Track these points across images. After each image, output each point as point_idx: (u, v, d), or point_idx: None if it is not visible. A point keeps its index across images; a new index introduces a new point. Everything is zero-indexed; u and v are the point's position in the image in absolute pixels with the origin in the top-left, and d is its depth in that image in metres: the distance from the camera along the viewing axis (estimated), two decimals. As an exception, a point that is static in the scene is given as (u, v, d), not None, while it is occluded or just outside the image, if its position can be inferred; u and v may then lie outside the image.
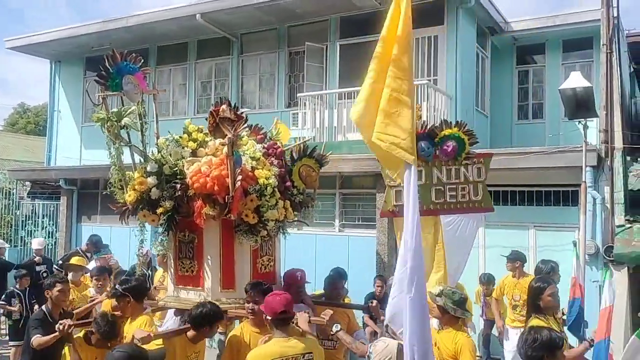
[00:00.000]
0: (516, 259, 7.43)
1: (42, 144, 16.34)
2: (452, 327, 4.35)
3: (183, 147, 4.48)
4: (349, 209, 9.97)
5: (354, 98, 10.35)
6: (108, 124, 4.33)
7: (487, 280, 7.93)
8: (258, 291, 4.16)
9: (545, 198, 8.36)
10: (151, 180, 4.28)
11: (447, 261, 4.99)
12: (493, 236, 8.40)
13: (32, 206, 14.45)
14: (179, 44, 13.00)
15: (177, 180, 4.33)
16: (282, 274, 5.11)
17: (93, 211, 13.05)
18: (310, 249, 9.84)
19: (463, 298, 4.44)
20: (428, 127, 5.00)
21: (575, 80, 7.73)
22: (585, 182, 7.56)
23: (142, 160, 4.49)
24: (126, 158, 4.62)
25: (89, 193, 13.09)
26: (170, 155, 4.40)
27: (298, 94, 11.01)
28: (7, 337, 8.25)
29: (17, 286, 8.08)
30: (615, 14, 8.76)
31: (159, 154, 4.43)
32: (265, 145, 4.82)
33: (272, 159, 4.70)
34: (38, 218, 14.16)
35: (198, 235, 4.47)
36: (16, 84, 74.98)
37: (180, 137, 4.56)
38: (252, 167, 4.43)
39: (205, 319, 4.01)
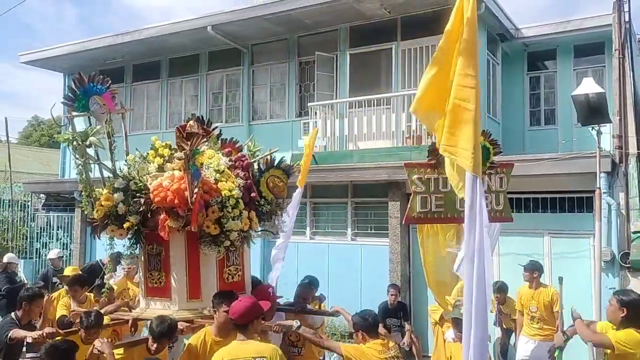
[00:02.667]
0: (534, 269, 7.22)
1: (56, 156, 16.55)
2: None
3: (150, 163, 4.62)
4: (361, 218, 9.96)
5: (365, 107, 10.42)
6: (74, 144, 4.53)
7: (499, 289, 7.83)
8: (223, 299, 4.31)
9: (560, 205, 8.29)
10: (117, 196, 4.42)
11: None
12: (507, 244, 8.34)
13: (47, 218, 14.59)
14: (190, 55, 13.12)
15: (142, 195, 4.46)
16: (248, 282, 5.16)
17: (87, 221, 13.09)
18: (323, 258, 9.84)
19: None
20: None
21: (588, 86, 7.69)
22: (599, 188, 7.49)
23: (110, 177, 4.65)
24: (97, 174, 4.80)
25: (103, 204, 13.18)
26: (137, 171, 4.55)
27: (309, 104, 11.05)
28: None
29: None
30: (627, 19, 8.72)
31: (127, 171, 4.60)
32: (233, 158, 4.92)
33: (238, 171, 4.80)
34: (53, 230, 14.29)
35: (165, 248, 4.60)
36: (30, 97, 75.96)
37: (148, 153, 4.71)
38: (215, 179, 4.54)
39: (164, 334, 4.18)
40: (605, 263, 7.67)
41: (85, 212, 4.71)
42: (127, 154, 4.84)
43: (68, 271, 7.49)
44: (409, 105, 10.02)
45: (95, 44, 13.18)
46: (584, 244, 7.96)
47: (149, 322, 4.93)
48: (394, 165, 9.05)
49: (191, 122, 4.72)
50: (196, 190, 4.24)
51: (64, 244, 13.83)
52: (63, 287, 7.19)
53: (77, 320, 4.73)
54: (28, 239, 14.61)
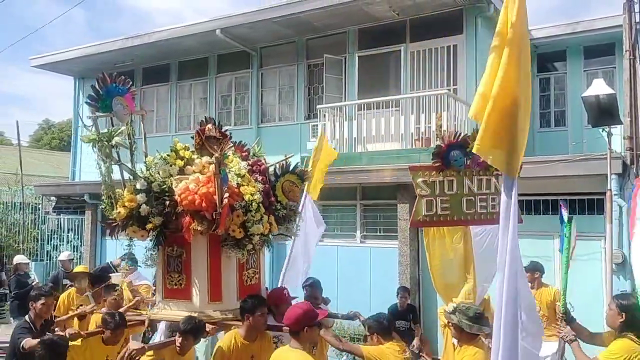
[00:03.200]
0: (535, 270, 7.22)
1: (67, 159, 16.66)
2: (469, 345, 4.19)
3: (171, 165, 4.63)
4: (370, 220, 9.95)
5: (374, 109, 10.41)
6: (99, 144, 4.52)
7: None
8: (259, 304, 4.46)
9: (570, 207, 8.22)
10: (140, 197, 4.42)
11: (476, 272, 4.94)
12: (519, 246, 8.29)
13: (58, 221, 14.69)
14: (200, 58, 13.19)
15: (165, 197, 4.47)
16: (266, 287, 5.23)
17: (101, 222, 13.20)
18: (332, 260, 9.83)
19: (478, 313, 4.27)
20: (461, 137, 4.96)
21: (598, 88, 7.64)
22: (610, 190, 7.44)
23: (131, 178, 4.66)
24: (116, 175, 4.79)
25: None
26: (159, 173, 4.55)
27: (317, 106, 11.06)
28: None
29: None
30: (638, 20, 8.66)
31: (148, 172, 4.59)
32: (250, 162, 4.96)
33: (257, 175, 4.84)
34: (63, 232, 14.39)
35: (186, 250, 4.62)
36: (41, 101, 76.61)
37: (168, 155, 4.71)
38: (237, 183, 4.58)
39: (192, 332, 4.28)
40: (616, 265, 7.61)
41: (106, 214, 4.69)
42: (146, 156, 4.85)
43: (78, 269, 7.59)
44: (417, 107, 10.02)
45: (105, 48, 13.28)
46: (595, 246, 7.90)
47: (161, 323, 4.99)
48: (403, 167, 9.01)
49: (209, 126, 4.79)
50: (227, 195, 4.29)
51: (74, 246, 13.92)
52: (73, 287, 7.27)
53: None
54: (39, 242, 14.71)
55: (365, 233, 9.94)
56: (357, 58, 11.08)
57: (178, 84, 13.67)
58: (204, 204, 4.27)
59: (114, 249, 11.55)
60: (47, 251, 14.39)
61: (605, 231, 7.44)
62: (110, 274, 8.03)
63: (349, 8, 10.40)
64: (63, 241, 14.25)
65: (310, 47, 11.88)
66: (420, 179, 4.92)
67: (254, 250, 4.71)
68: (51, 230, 14.66)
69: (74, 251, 13.57)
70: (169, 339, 4.67)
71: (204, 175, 4.54)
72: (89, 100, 4.69)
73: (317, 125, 10.90)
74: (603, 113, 7.54)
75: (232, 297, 4.67)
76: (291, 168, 5.13)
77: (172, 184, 4.52)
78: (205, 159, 4.73)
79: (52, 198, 15.05)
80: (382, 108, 10.26)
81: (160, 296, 4.84)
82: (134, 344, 4.22)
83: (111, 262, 9.60)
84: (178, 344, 4.37)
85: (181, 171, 4.65)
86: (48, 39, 79.92)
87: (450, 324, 4.43)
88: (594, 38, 10.91)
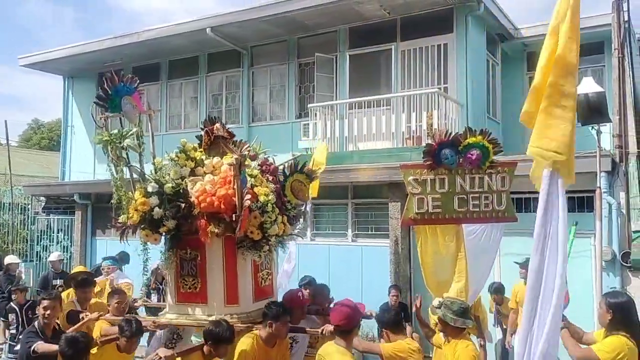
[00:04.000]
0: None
1: (56, 159, 16.55)
2: (455, 339, 4.28)
3: (182, 167, 4.54)
4: (362, 219, 9.95)
5: (365, 107, 10.42)
6: (110, 145, 4.41)
7: (496, 290, 7.83)
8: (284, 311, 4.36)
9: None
10: (153, 200, 4.33)
11: (469, 270, 4.94)
12: (507, 244, 8.28)
13: (47, 221, 14.58)
14: (190, 57, 13.12)
15: (180, 200, 4.39)
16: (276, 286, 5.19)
17: (107, 225, 13.13)
18: (324, 259, 9.82)
19: (463, 308, 4.35)
20: (452, 135, 4.97)
21: (588, 86, 7.67)
22: (600, 187, 7.48)
23: (140, 180, 4.55)
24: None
25: (103, 207, 13.17)
26: (169, 174, 4.46)
27: (308, 105, 11.04)
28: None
29: (14, 301, 7.95)
30: (626, 18, 8.72)
31: (157, 174, 4.50)
32: (259, 163, 4.90)
33: (267, 175, 4.78)
34: (53, 233, 14.27)
35: (201, 253, 4.53)
36: (30, 100, 76.02)
37: (177, 155, 4.62)
38: (251, 184, 4.51)
39: (221, 337, 4.10)
40: (606, 263, 7.66)
41: (119, 218, 4.56)
42: (154, 157, 4.72)
43: (77, 269, 7.57)
44: (408, 106, 10.04)
45: (94, 47, 13.17)
46: (584, 243, 7.94)
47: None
48: (394, 166, 9.03)
49: (217, 125, 4.74)
50: (248, 196, 4.22)
51: (64, 246, 13.82)
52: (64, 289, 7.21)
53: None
54: (28, 242, 14.59)
55: (356, 232, 9.94)
56: (348, 57, 11.07)
57: (168, 83, 13.60)
58: (222, 206, 4.20)
59: (105, 249, 11.48)
60: (37, 252, 14.27)
61: (595, 229, 7.48)
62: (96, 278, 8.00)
63: (340, 7, 10.39)
64: (53, 242, 14.13)
65: (301, 46, 11.86)
66: (411, 177, 4.93)
67: (269, 251, 4.66)
68: (41, 231, 14.53)
69: (64, 252, 13.48)
70: (196, 344, 4.49)
71: (216, 176, 4.46)
72: (97, 100, 4.57)
73: (308, 124, 10.89)
74: (592, 111, 7.57)
75: (249, 299, 4.60)
76: (299, 167, 5.07)
77: (186, 185, 4.44)
78: (216, 159, 4.66)
79: (42, 198, 14.92)
80: (373, 107, 10.26)
81: (172, 300, 4.72)
82: (162, 351, 4.11)
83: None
84: (206, 352, 4.17)
85: (192, 172, 4.57)
86: (38, 38, 79.37)
87: (437, 317, 4.52)
88: (583, 37, 10.71)
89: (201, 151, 4.74)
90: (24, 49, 51.59)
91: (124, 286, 7.29)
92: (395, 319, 4.52)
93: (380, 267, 9.30)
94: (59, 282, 9.29)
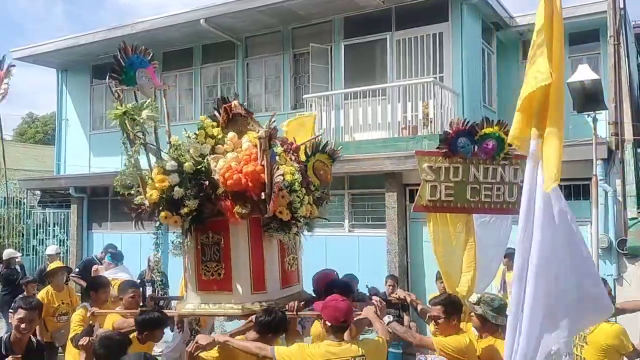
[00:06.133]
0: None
1: (51, 153, 16.48)
2: (492, 336, 4.15)
3: (202, 144, 4.23)
4: (359, 209, 9.95)
5: (360, 98, 10.38)
6: (128, 119, 3.97)
7: (510, 255, 7.82)
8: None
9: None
10: (172, 178, 3.98)
11: (479, 262, 4.92)
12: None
13: (43, 215, 14.55)
14: (184, 49, 13.04)
15: (202, 178, 4.06)
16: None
17: (103, 218, 13.11)
18: (321, 250, 9.81)
19: (503, 304, 4.21)
20: (469, 124, 4.93)
21: (584, 73, 7.67)
22: (596, 175, 7.49)
23: (156, 160, 4.20)
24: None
25: (99, 200, 13.16)
26: (189, 151, 4.13)
27: (304, 96, 11.00)
28: None
29: (25, 293, 8.01)
30: (622, 5, 8.70)
31: (176, 152, 4.15)
32: (281, 142, 4.61)
33: (290, 154, 4.54)
34: (49, 227, 14.26)
35: (224, 236, 4.19)
36: (24, 94, 75.55)
37: (196, 133, 4.31)
38: (275, 162, 4.18)
39: (274, 327, 3.89)
40: (602, 250, 7.68)
41: (135, 201, 4.17)
42: (169, 135, 4.37)
43: (54, 265, 7.51)
44: (404, 95, 10.01)
45: (88, 39, 13.08)
46: (581, 231, 7.94)
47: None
48: (390, 156, 9.03)
49: (235, 103, 4.50)
50: (280, 171, 3.93)
51: (60, 240, 13.81)
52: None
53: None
54: (24, 236, 14.57)
55: (353, 222, 9.95)
56: (342, 47, 11.02)
57: (163, 74, 13.48)
58: (250, 184, 3.90)
59: (101, 242, 11.45)
60: (33, 246, 14.26)
61: (591, 216, 7.50)
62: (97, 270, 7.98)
63: (334, -4, 10.34)
64: (49, 235, 14.12)
65: (296, 37, 11.80)
66: (425, 164, 4.90)
67: (296, 233, 4.41)
68: (37, 225, 14.51)
69: (60, 245, 13.46)
70: (243, 328, 4.19)
71: (239, 153, 4.15)
72: (111, 73, 4.15)
73: (303, 114, 10.84)
74: (588, 99, 7.58)
75: (276, 286, 4.32)
76: (321, 147, 4.86)
77: (208, 164, 4.12)
78: (231, 134, 4.34)
79: (37, 192, 14.89)
80: (369, 97, 10.23)
81: (193, 289, 4.36)
82: (202, 338, 3.88)
83: (95, 256, 9.55)
84: (251, 339, 3.89)
85: (212, 150, 4.26)
86: (27, 32, 78.85)
87: (472, 314, 4.33)
88: (578, 24, 10.92)
89: (220, 129, 4.42)
90: (13, 42, 51.10)
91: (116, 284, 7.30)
92: (460, 305, 4.24)
93: (377, 257, 9.31)
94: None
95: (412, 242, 9.42)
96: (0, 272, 9.65)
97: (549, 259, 2.93)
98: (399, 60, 10.60)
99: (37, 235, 14.40)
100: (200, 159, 4.15)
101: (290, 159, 4.47)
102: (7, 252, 10.09)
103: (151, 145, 4.18)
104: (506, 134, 4.87)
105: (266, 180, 3.91)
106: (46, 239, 14.05)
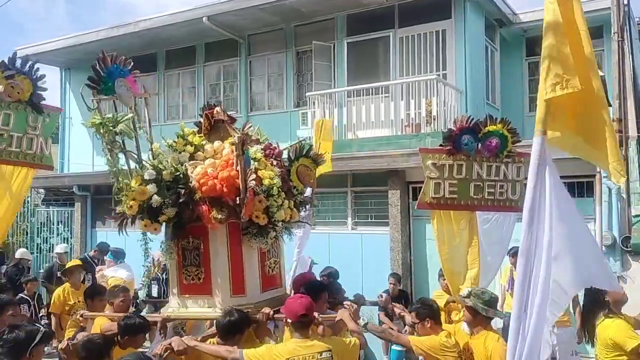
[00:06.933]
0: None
1: (55, 151, 16.51)
2: (484, 329, 4.21)
3: (180, 152, 4.33)
4: (362, 207, 9.94)
5: (363, 95, 10.36)
6: (103, 129, 4.09)
7: (514, 254, 7.81)
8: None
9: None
10: (151, 188, 4.09)
11: (482, 259, 4.93)
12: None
13: (47, 213, 14.57)
14: (187, 47, 13.04)
15: (180, 186, 4.17)
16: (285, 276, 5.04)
17: (106, 216, 13.12)
18: (324, 248, 9.82)
19: (494, 298, 4.31)
20: (473, 121, 4.94)
21: (587, 70, 7.62)
22: (599, 172, 7.47)
23: (137, 167, 4.29)
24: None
25: (103, 199, 13.16)
26: (168, 160, 4.22)
27: (307, 93, 10.99)
28: None
29: (25, 292, 8.05)
30: (626, 2, 8.65)
31: (155, 160, 4.25)
32: (263, 146, 4.69)
33: (272, 159, 4.59)
34: (53, 225, 14.27)
35: (204, 241, 4.30)
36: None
37: (175, 141, 4.41)
38: (255, 168, 4.27)
39: (233, 328, 3.94)
40: (606, 247, 7.65)
41: (118, 208, 4.28)
42: (151, 143, 4.45)
43: (72, 263, 7.57)
44: (407, 93, 9.99)
45: (90, 37, 13.09)
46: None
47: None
48: (394, 153, 9.02)
49: (217, 109, 4.55)
50: (253, 177, 3.99)
51: (64, 238, 13.82)
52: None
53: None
54: (28, 235, 14.58)
55: (356, 220, 9.94)
56: (345, 44, 11.00)
57: (166, 73, 13.54)
58: (225, 189, 3.98)
59: (105, 240, 11.46)
60: (37, 244, 14.28)
61: (595, 213, 7.48)
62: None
63: (337, -7, 10.32)
64: (53, 234, 14.14)
65: (299, 34, 11.78)
66: (429, 162, 4.92)
67: (275, 238, 4.47)
68: (41, 223, 14.53)
69: (64, 243, 13.50)
70: (208, 334, 4.24)
71: (217, 159, 4.23)
72: (89, 82, 4.25)
73: (306, 112, 10.85)
74: (592, 96, 7.53)
75: (256, 289, 4.39)
76: (305, 152, 4.90)
77: (185, 170, 4.21)
78: (217, 143, 4.45)
79: (41, 190, 14.89)
80: (372, 94, 10.22)
81: (175, 293, 4.47)
82: (176, 343, 3.88)
83: (88, 255, 9.56)
84: (216, 343, 3.97)
85: (191, 158, 4.34)
86: (29, 32, 78.90)
87: (463, 307, 4.43)
88: None
89: (200, 136, 4.54)
90: (13, 42, 51.16)
91: (117, 281, 7.32)
92: (437, 309, 4.40)
93: (380, 255, 9.31)
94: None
95: (416, 240, 9.41)
96: (7, 270, 9.70)
97: (559, 258, 2.90)
98: (402, 58, 10.58)
99: (41, 233, 14.42)
100: (179, 166, 4.24)
101: (272, 163, 4.52)
102: (20, 252, 10.13)
103: (132, 153, 4.26)
104: (509, 132, 4.87)
105: (240, 186, 3.97)
106: (50, 237, 14.07)
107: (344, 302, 4.69)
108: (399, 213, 9.22)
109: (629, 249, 7.63)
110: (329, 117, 10.55)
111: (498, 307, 8.07)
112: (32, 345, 3.33)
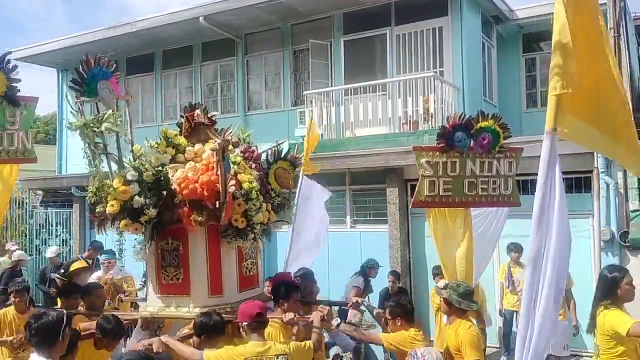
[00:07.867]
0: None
1: (53, 152, 16.47)
2: (457, 319, 4.38)
3: (162, 153, 4.37)
4: (360, 205, 9.95)
5: (361, 93, 10.37)
6: (87, 130, 4.17)
7: (513, 249, 7.88)
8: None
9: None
10: (133, 188, 4.14)
11: (474, 252, 4.96)
12: (505, 226, 8.34)
13: (46, 215, 14.56)
14: (184, 47, 13.04)
15: (161, 187, 4.22)
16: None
17: (90, 215, 13.09)
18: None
19: (468, 290, 4.46)
20: (465, 118, 4.96)
21: (584, 66, 7.64)
22: (597, 167, 7.49)
23: (117, 168, 4.34)
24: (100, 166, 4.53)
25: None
26: (150, 162, 4.27)
27: (304, 92, 11.00)
28: None
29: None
30: (622, -3, 8.67)
31: (137, 161, 4.30)
32: (242, 150, 4.75)
33: (251, 162, 4.66)
34: (51, 226, 14.27)
35: (183, 242, 4.37)
36: (24, 94, 75.43)
37: (157, 143, 4.44)
38: (234, 171, 4.35)
39: (209, 328, 4.00)
40: (604, 242, 7.68)
41: (97, 209, 4.32)
42: (133, 144, 4.50)
43: (77, 265, 7.57)
44: (404, 90, 10.00)
45: (87, 38, 13.08)
46: (583, 224, 7.96)
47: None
48: (391, 151, 9.03)
49: (198, 112, 4.60)
50: (233, 182, 4.08)
51: (63, 240, 13.82)
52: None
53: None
54: (27, 236, 14.58)
55: (355, 218, 9.95)
56: (342, 42, 11.01)
57: (163, 73, 13.53)
58: (205, 193, 4.05)
59: (103, 241, 11.45)
60: (36, 245, 14.28)
61: (593, 209, 7.50)
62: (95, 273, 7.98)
63: (333, -8, 10.33)
64: (51, 235, 14.13)
65: (295, 33, 11.79)
66: (423, 160, 4.92)
67: (254, 240, 4.56)
68: (39, 225, 14.52)
69: (63, 245, 13.50)
70: (185, 334, 4.29)
71: (198, 162, 4.32)
72: (72, 85, 4.39)
73: (304, 111, 10.85)
74: (589, 91, 7.55)
75: (233, 290, 4.47)
76: (283, 155, 4.98)
77: (167, 173, 4.26)
78: (198, 146, 4.51)
79: (39, 192, 14.89)
80: (369, 92, 10.22)
81: (153, 292, 4.54)
82: (156, 344, 3.98)
83: (81, 256, 9.53)
84: (196, 344, 4.03)
85: (173, 159, 4.40)
86: (28, 32, 78.73)
87: (441, 299, 4.59)
88: None
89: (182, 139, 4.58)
90: (13, 42, 51.07)
91: (127, 281, 7.33)
92: (410, 309, 4.54)
93: (379, 252, 9.30)
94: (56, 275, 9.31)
95: (414, 237, 9.42)
96: (4, 271, 9.68)
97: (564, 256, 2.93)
98: (399, 55, 10.59)
99: (39, 235, 14.42)
100: (160, 168, 4.29)
101: (250, 166, 4.58)
102: (18, 254, 10.10)
103: (113, 155, 4.31)
104: (501, 127, 4.89)
105: (220, 190, 4.03)
106: (49, 239, 14.07)
107: (319, 307, 4.73)
108: (398, 211, 9.23)
109: (627, 244, 7.65)
110: (326, 116, 10.57)
111: (497, 304, 8.16)
112: (62, 328, 3.38)
